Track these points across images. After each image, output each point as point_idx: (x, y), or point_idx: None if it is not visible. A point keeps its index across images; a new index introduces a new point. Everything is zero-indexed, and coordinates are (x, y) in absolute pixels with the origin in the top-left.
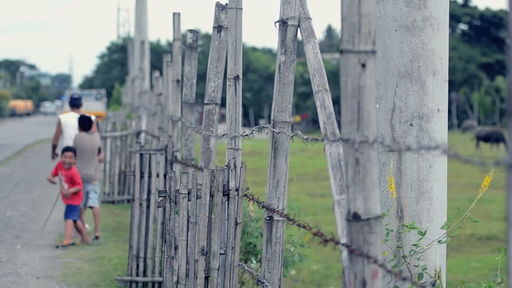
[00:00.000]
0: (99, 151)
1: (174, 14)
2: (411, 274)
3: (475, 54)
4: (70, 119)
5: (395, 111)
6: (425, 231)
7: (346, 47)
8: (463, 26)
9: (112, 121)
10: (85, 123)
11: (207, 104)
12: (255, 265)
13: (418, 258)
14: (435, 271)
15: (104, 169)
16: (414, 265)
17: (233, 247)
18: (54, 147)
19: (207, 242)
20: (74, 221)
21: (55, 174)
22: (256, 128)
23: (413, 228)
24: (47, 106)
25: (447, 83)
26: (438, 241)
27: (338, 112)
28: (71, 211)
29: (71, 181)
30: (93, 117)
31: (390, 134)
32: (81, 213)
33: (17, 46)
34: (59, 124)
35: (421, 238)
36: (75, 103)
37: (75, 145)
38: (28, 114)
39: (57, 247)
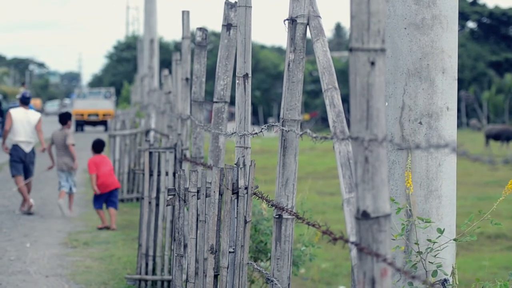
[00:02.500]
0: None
1: (183, 12)
2: (426, 271)
3: (484, 52)
4: (18, 113)
5: (404, 109)
6: (443, 229)
7: (355, 45)
8: (472, 24)
9: (121, 120)
10: (61, 120)
11: (216, 102)
12: (265, 263)
13: (435, 256)
14: (452, 267)
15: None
16: (429, 262)
17: (242, 246)
18: (4, 137)
19: (216, 241)
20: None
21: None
22: (265, 126)
23: (428, 222)
24: (49, 105)
25: (456, 81)
26: (454, 239)
27: (347, 111)
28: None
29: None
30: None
31: (399, 133)
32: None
33: (26, 45)
34: (9, 116)
35: (439, 236)
36: (25, 101)
37: (52, 140)
38: None
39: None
